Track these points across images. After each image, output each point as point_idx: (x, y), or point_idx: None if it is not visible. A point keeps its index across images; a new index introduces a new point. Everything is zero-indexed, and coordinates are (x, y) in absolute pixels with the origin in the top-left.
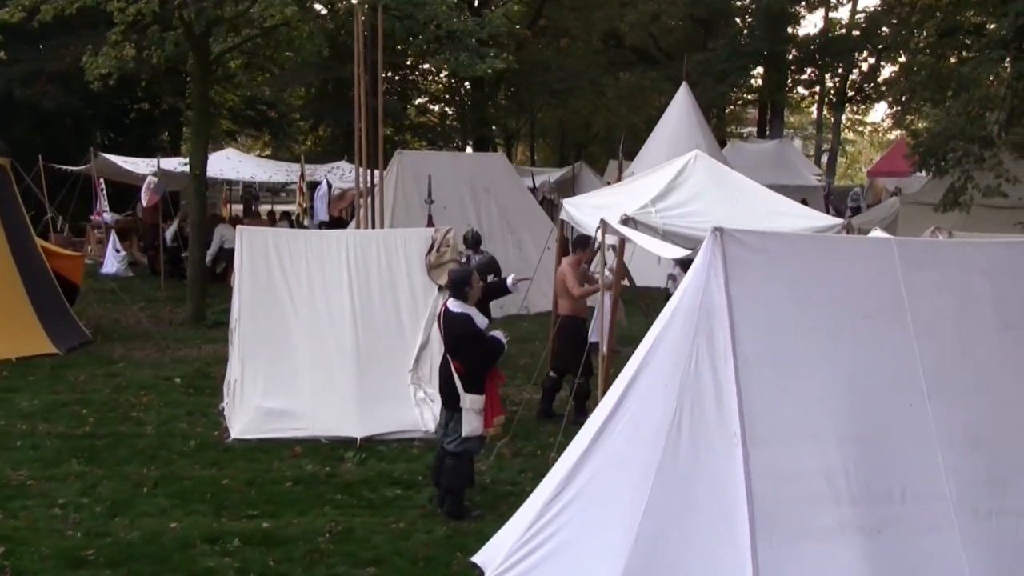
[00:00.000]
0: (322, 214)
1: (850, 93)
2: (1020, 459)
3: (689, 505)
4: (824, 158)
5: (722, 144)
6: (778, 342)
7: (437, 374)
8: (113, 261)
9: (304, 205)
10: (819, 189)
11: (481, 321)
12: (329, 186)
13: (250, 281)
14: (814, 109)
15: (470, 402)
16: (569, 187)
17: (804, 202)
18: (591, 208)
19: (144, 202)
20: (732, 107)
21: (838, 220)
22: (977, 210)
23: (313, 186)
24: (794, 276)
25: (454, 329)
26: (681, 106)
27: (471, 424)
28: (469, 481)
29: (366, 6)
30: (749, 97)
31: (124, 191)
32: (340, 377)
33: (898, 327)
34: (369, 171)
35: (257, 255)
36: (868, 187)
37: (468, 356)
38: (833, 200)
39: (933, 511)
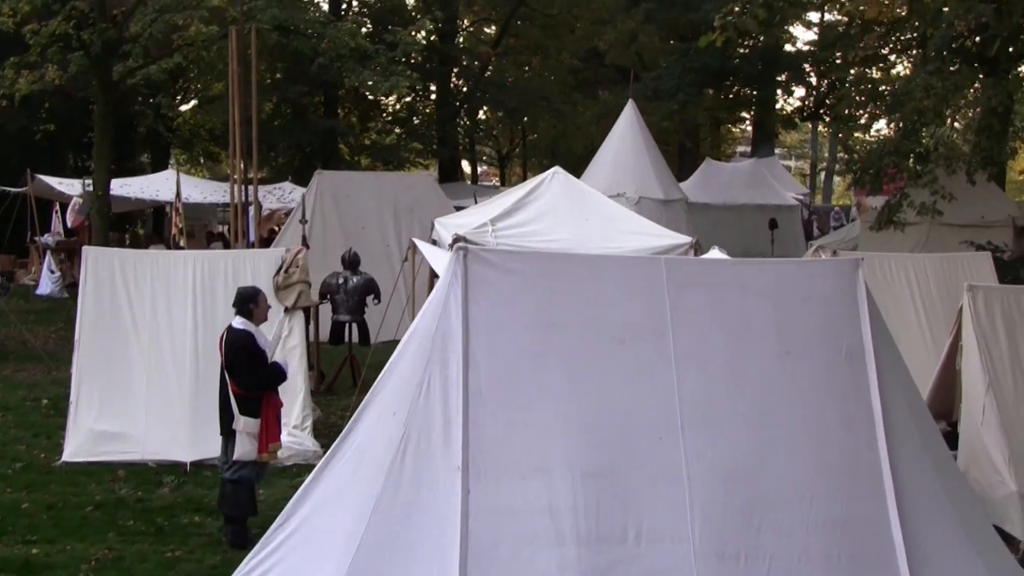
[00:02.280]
0: (251, 235)
1: (814, 110)
2: (782, 496)
3: (405, 542)
4: (822, 176)
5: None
6: (516, 370)
7: None
8: (48, 282)
9: (179, 226)
10: (796, 208)
11: (264, 342)
12: (260, 208)
13: (93, 302)
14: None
15: (244, 424)
16: None
17: (772, 222)
18: (455, 226)
19: (69, 223)
20: (727, 126)
21: (686, 239)
22: (939, 229)
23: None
24: (543, 298)
25: (232, 344)
26: (627, 125)
27: (243, 447)
28: (248, 509)
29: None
30: (745, 115)
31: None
32: (176, 400)
33: (656, 353)
34: (244, 186)
35: (102, 276)
36: (858, 205)
37: (243, 375)
38: (817, 219)
39: (671, 553)
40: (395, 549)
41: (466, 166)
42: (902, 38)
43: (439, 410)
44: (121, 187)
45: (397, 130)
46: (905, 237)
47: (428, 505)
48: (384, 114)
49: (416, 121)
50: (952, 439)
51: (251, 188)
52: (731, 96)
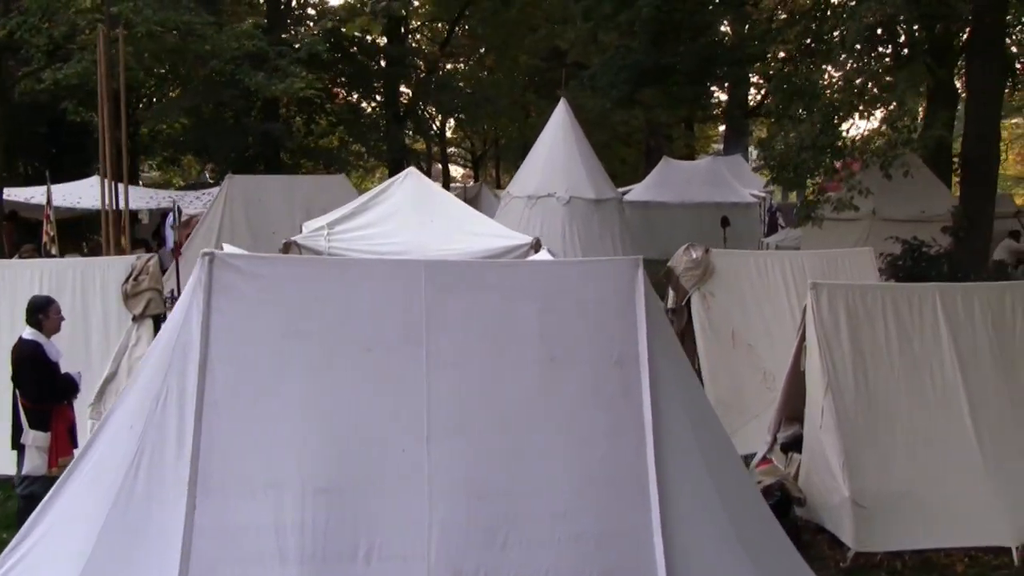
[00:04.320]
0: (171, 241)
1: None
2: (533, 510)
3: (130, 562)
4: None
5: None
6: (255, 380)
7: None
8: None
9: (51, 233)
10: (753, 206)
11: (54, 353)
12: (179, 213)
13: None
14: None
15: (32, 438)
16: None
17: (724, 220)
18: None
19: None
20: (700, 125)
21: (525, 240)
22: (880, 224)
23: (166, 213)
24: (292, 305)
25: (19, 356)
26: (558, 124)
27: (32, 462)
28: None
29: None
30: (718, 113)
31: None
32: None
33: (408, 361)
34: (113, 188)
35: None
36: None
37: (30, 386)
38: (783, 215)
39: (402, 572)
40: (120, 569)
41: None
42: (824, 34)
43: (174, 423)
44: (41, 195)
45: (339, 132)
46: (846, 233)
47: (157, 522)
48: (328, 116)
49: (363, 123)
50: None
51: (187, 195)
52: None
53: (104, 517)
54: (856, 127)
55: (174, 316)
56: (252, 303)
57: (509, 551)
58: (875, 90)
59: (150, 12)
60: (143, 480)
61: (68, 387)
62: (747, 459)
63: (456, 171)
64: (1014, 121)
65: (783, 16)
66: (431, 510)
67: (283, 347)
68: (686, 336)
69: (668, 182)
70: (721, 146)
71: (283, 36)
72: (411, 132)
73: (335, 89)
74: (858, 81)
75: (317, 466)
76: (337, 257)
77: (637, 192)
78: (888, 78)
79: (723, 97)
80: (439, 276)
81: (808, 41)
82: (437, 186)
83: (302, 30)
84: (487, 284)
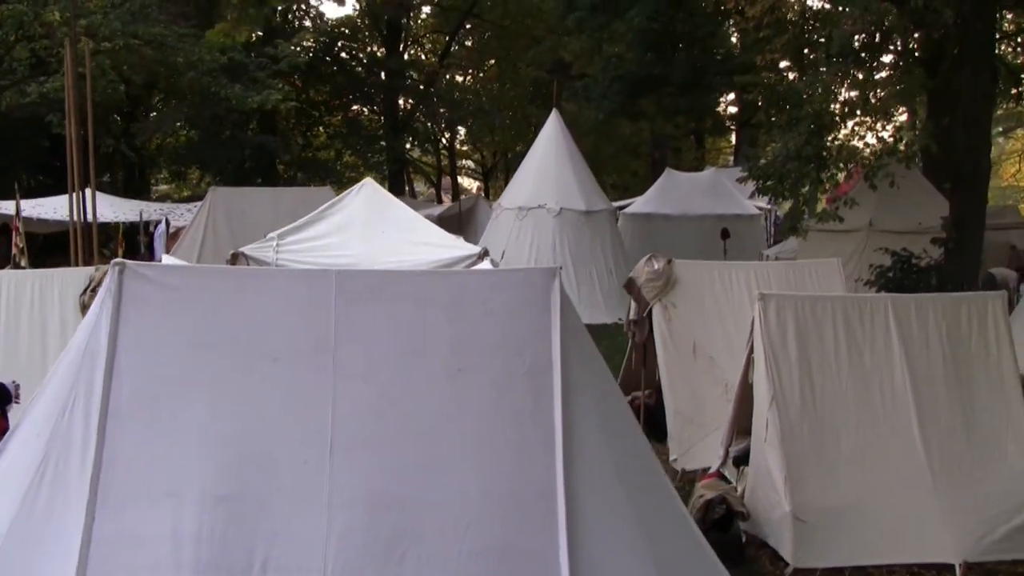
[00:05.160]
0: (160, 253)
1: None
2: (435, 523)
3: (30, 573)
4: None
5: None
6: (161, 390)
7: None
8: None
9: (20, 245)
10: (758, 217)
11: None
12: (168, 225)
13: None
14: None
15: None
16: (455, 222)
17: (724, 232)
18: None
19: None
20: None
21: (473, 250)
22: (877, 236)
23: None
24: (201, 315)
25: None
26: (550, 135)
27: None
28: None
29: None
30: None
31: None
32: None
33: (315, 372)
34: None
35: None
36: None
37: None
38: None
39: None
40: None
41: (470, 182)
42: (810, 43)
43: (79, 431)
44: (33, 207)
45: (335, 144)
46: (844, 244)
47: (57, 532)
48: (327, 128)
49: (360, 135)
50: None
51: (179, 207)
52: (665, 104)
53: (8, 526)
54: (859, 137)
55: (84, 326)
56: (161, 313)
57: (407, 565)
58: (858, 99)
59: (119, 24)
60: (47, 489)
61: (1, 396)
62: (704, 473)
63: (471, 184)
64: None
65: (768, 25)
66: (330, 522)
67: (190, 356)
68: (648, 348)
69: (670, 194)
70: (732, 158)
71: (265, 49)
72: (411, 143)
73: (333, 101)
74: (844, 91)
75: (218, 476)
76: (246, 268)
77: (639, 204)
78: (879, 90)
79: (733, 109)
80: (350, 285)
81: (800, 50)
82: (392, 197)
83: (281, 43)
84: (398, 293)
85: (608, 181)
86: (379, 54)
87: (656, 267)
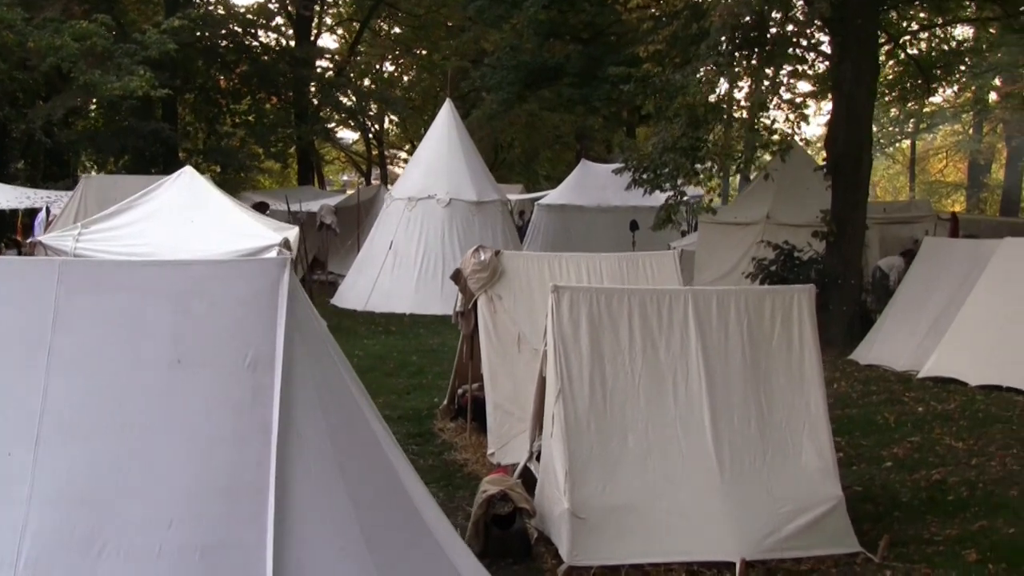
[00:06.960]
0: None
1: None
2: (139, 519)
3: None
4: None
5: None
6: None
7: None
8: None
9: None
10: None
11: None
12: (48, 212)
13: None
14: None
15: None
16: (353, 212)
17: (633, 224)
18: None
19: None
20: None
21: (275, 239)
22: (774, 228)
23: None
24: None
25: None
26: (443, 126)
27: None
28: None
29: None
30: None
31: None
32: None
33: (26, 362)
34: None
35: None
36: None
37: None
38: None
39: None
40: None
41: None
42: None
43: None
44: None
45: (238, 133)
46: (744, 237)
47: None
48: (233, 117)
49: (264, 124)
50: None
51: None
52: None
53: None
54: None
55: None
56: None
57: (105, 560)
58: (732, 91)
59: None
60: None
61: None
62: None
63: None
64: (955, 127)
65: (651, 17)
66: (28, 516)
67: None
68: (475, 340)
69: (585, 185)
70: None
71: (134, 35)
72: (334, 123)
73: (242, 89)
74: (722, 83)
75: None
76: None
77: (554, 195)
78: (765, 82)
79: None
80: (72, 276)
81: (687, 44)
82: (211, 186)
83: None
84: (121, 284)
85: (541, 172)
86: (289, 44)
87: (482, 258)
